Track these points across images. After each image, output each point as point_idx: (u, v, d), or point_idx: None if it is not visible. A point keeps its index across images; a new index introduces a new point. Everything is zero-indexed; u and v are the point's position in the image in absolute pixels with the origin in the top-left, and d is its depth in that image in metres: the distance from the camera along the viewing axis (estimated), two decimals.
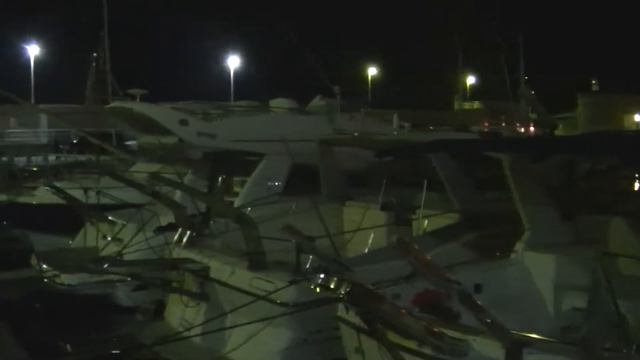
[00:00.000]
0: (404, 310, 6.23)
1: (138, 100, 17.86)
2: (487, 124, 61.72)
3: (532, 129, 58.95)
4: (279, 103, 19.62)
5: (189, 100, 19.11)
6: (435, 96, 75.96)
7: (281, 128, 16.89)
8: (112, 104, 20.02)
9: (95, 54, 33.71)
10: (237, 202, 15.00)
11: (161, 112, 17.38)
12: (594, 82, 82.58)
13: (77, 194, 16.73)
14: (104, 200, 16.62)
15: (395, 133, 13.83)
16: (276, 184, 15.92)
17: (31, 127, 75.49)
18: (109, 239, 14.68)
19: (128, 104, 18.28)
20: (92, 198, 16.86)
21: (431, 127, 20.13)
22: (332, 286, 5.95)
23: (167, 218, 13.55)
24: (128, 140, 37.65)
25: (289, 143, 16.17)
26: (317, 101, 19.84)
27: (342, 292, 5.89)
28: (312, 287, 6.20)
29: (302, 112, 19.35)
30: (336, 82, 20.69)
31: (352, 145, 14.76)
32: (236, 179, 17.49)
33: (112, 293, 13.99)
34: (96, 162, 28.19)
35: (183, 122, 16.64)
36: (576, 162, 10.82)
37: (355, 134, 14.76)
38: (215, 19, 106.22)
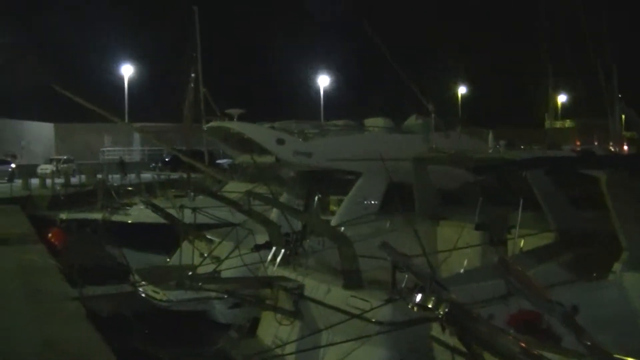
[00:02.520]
0: (503, 331, 6.17)
1: (235, 119, 18.12)
2: (579, 143, 60.69)
3: (625, 147, 57.81)
4: (374, 122, 19.63)
5: (283, 120, 19.23)
6: (526, 115, 74.86)
7: (377, 147, 16.74)
8: (211, 124, 20.32)
9: (193, 75, 34.17)
10: (334, 221, 15.06)
11: (259, 132, 17.58)
12: None
13: (172, 212, 16.96)
14: (199, 219, 16.83)
15: (490, 151, 13.70)
16: (373, 202, 15.94)
17: (124, 145, 77.31)
18: (205, 256, 14.81)
19: (226, 124, 18.54)
20: (186, 217, 17.08)
21: (522, 146, 19.93)
22: (429, 305, 5.93)
23: (261, 237, 13.67)
24: (219, 159, 38.17)
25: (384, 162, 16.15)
26: (413, 120, 19.81)
27: (441, 312, 5.87)
28: (409, 306, 6.19)
29: (398, 131, 19.31)
30: (422, 101, 20.64)
31: (447, 164, 14.68)
32: (332, 197, 17.52)
33: (208, 310, 14.17)
34: (189, 180, 28.62)
35: (280, 141, 16.80)
36: None
37: (451, 152, 14.67)
38: (306, 39, 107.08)
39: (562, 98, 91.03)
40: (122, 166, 56.22)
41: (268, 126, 18.12)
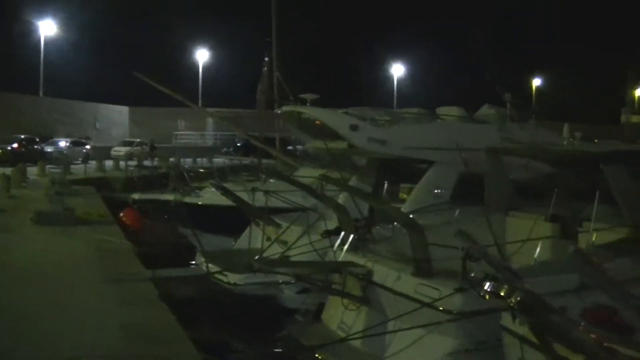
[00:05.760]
0: (576, 323, 6.09)
1: (308, 104, 18.09)
2: None
3: None
4: (447, 111, 19.41)
5: (356, 107, 19.12)
6: (602, 108, 73.84)
7: (451, 136, 16.68)
8: (284, 108, 20.29)
9: (267, 59, 34.25)
10: (405, 208, 14.97)
11: (332, 117, 17.50)
12: None
13: (242, 196, 17.04)
14: (269, 203, 16.89)
15: (565, 143, 13.46)
16: (444, 191, 15.79)
17: (198, 130, 78.22)
18: (273, 240, 14.87)
19: (300, 108, 18.52)
20: (256, 201, 17.15)
21: (596, 140, 19.60)
22: (502, 294, 5.87)
23: (331, 223, 13.67)
24: (290, 144, 38.30)
25: (457, 151, 15.96)
26: (486, 109, 19.58)
27: (513, 301, 5.80)
28: (481, 294, 6.14)
29: (472, 120, 19.11)
30: (497, 90, 20.38)
31: (522, 155, 14.48)
32: (402, 185, 17.42)
33: (275, 294, 14.24)
34: (260, 165, 28.77)
35: (354, 127, 16.70)
36: None
37: (526, 143, 14.47)
38: (381, 28, 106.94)
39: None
40: (153, 150, 56.93)
41: (342, 112, 18.03)
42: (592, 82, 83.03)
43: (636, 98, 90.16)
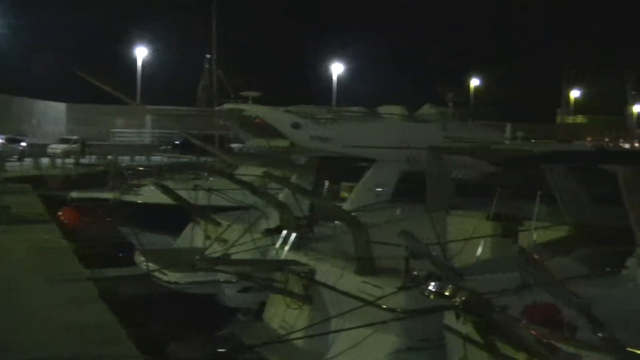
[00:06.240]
0: (520, 322, 6.16)
1: (250, 102, 18.00)
2: (590, 139, 60.72)
3: (637, 144, 57.89)
4: (389, 110, 19.47)
5: (298, 105, 19.08)
6: (539, 109, 74.94)
7: (395, 134, 16.75)
8: (225, 105, 20.17)
9: (208, 56, 34.06)
10: (347, 207, 14.98)
11: (274, 115, 17.41)
12: None
13: (183, 194, 16.93)
14: (206, 202, 16.79)
15: (507, 143, 13.60)
16: (386, 190, 15.82)
17: (137, 128, 77.48)
18: (214, 239, 14.79)
19: (241, 106, 18.41)
20: (197, 199, 17.04)
21: (532, 140, 19.78)
22: (447, 294, 5.90)
23: (272, 221, 13.65)
24: (230, 143, 38.14)
25: (399, 150, 16.01)
26: (427, 109, 19.69)
27: (458, 300, 5.83)
28: (426, 294, 6.16)
29: (416, 120, 19.19)
30: (437, 90, 20.54)
31: (465, 154, 14.59)
32: (344, 184, 17.43)
33: (216, 293, 14.15)
34: (199, 163, 28.59)
35: (296, 125, 16.64)
36: None
37: (469, 143, 14.57)
38: (322, 27, 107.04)
39: (575, 93, 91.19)
40: (83, 147, 56.42)
41: (283, 110, 17.97)
42: (529, 82, 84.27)
43: (571, 99, 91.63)
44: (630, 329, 6.99)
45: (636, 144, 58.20)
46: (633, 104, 58.10)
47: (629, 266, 9.26)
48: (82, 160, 44.19)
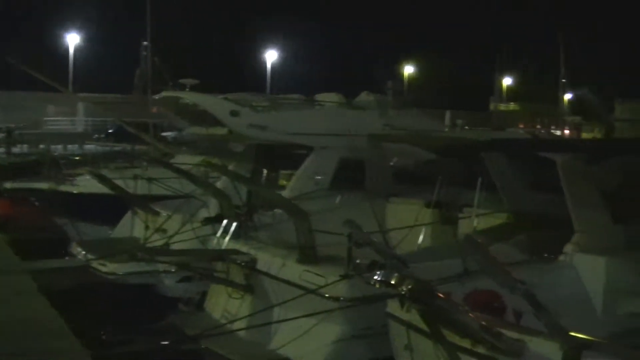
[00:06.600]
0: (466, 309, 6.22)
1: (188, 90, 17.84)
2: (522, 126, 61.67)
3: (567, 131, 59.06)
4: (326, 97, 19.45)
5: (235, 92, 18.94)
6: (472, 96, 75.71)
7: (333, 122, 16.73)
8: (162, 94, 19.95)
9: (145, 43, 33.64)
10: (286, 195, 14.92)
11: (212, 103, 17.24)
12: None
13: (120, 183, 16.74)
14: (144, 191, 16.63)
15: (447, 130, 13.74)
16: (324, 177, 15.77)
17: (69, 116, 76.32)
18: (153, 229, 14.66)
19: (179, 94, 18.24)
20: (133, 188, 16.85)
21: (466, 127, 19.95)
22: (393, 282, 5.92)
23: (211, 210, 13.58)
24: (165, 131, 37.81)
25: (337, 137, 15.99)
26: (365, 96, 19.69)
27: (405, 289, 5.86)
28: (372, 282, 6.19)
29: (354, 107, 19.17)
30: (373, 78, 20.63)
31: (405, 142, 14.63)
32: (282, 172, 17.39)
33: (155, 283, 14.04)
34: (134, 152, 28.29)
35: (234, 113, 16.48)
36: (632, 165, 10.69)
37: (409, 131, 14.63)
38: (258, 14, 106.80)
39: (507, 81, 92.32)
40: (9, 136, 55.45)
41: (222, 97, 17.81)
42: (462, 70, 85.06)
43: (504, 87, 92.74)
44: (568, 314, 7.13)
45: (566, 131, 59.45)
46: (564, 92, 59.22)
47: (566, 252, 9.44)
48: (14, 150, 43.27)
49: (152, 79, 30.27)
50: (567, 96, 61.15)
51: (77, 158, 29.11)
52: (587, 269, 9.22)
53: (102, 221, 17.86)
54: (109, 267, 13.96)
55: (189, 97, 17.72)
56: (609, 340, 7.04)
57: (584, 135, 57.95)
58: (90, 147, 47.60)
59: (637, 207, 10.30)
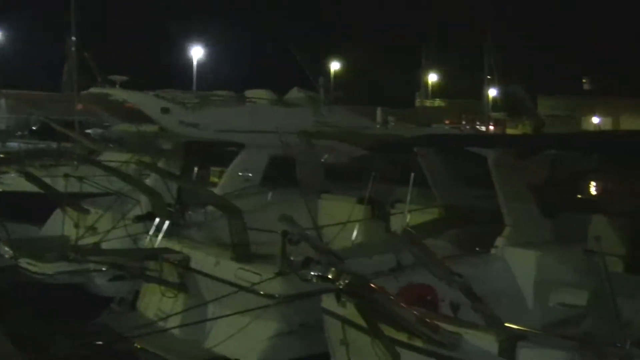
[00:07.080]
0: (403, 303, 6.29)
1: (118, 87, 17.62)
2: (448, 122, 62.28)
3: (491, 127, 59.89)
4: (256, 94, 19.40)
5: (164, 89, 18.77)
6: (397, 93, 76.05)
7: (264, 119, 16.65)
8: (91, 90, 19.67)
9: (73, 38, 33.11)
10: (217, 192, 14.87)
11: (143, 100, 17.06)
12: (584, 81, 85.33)
13: (47, 182, 16.46)
14: (73, 189, 16.37)
15: (378, 127, 13.83)
16: (255, 174, 15.71)
17: None
18: (84, 227, 14.47)
19: (108, 90, 18.00)
20: (61, 186, 16.58)
21: (392, 123, 20.05)
22: (330, 277, 5.95)
23: (142, 208, 13.47)
24: (90, 128, 37.29)
25: (268, 134, 15.96)
26: (295, 92, 19.69)
27: (342, 283, 5.89)
28: (308, 278, 6.21)
29: (285, 104, 19.14)
30: (297, 74, 20.63)
31: (337, 139, 14.67)
32: (213, 169, 17.28)
33: (88, 282, 13.85)
34: (60, 149, 27.83)
35: (165, 110, 16.33)
36: (560, 160, 10.91)
37: (340, 128, 14.67)
38: (187, 10, 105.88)
39: (432, 77, 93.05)
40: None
41: (153, 94, 17.65)
42: (389, 66, 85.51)
43: (429, 83, 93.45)
44: (500, 307, 7.27)
45: (491, 127, 60.31)
46: (488, 87, 60.00)
47: (498, 245, 9.62)
48: None
49: (82, 75, 29.85)
50: (492, 92, 62.04)
51: (1, 156, 28.56)
52: (517, 262, 9.43)
53: (30, 220, 17.56)
54: (38, 267, 13.72)
55: (118, 94, 17.50)
56: (543, 331, 7.22)
57: (509, 131, 58.88)
58: (13, 144, 46.74)
59: (565, 201, 10.55)
